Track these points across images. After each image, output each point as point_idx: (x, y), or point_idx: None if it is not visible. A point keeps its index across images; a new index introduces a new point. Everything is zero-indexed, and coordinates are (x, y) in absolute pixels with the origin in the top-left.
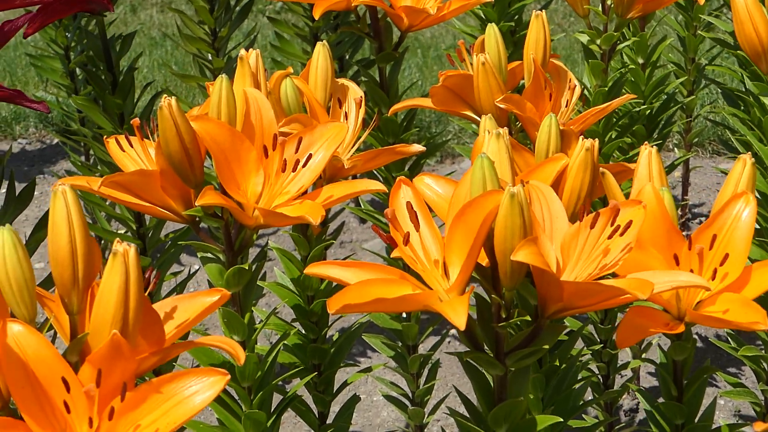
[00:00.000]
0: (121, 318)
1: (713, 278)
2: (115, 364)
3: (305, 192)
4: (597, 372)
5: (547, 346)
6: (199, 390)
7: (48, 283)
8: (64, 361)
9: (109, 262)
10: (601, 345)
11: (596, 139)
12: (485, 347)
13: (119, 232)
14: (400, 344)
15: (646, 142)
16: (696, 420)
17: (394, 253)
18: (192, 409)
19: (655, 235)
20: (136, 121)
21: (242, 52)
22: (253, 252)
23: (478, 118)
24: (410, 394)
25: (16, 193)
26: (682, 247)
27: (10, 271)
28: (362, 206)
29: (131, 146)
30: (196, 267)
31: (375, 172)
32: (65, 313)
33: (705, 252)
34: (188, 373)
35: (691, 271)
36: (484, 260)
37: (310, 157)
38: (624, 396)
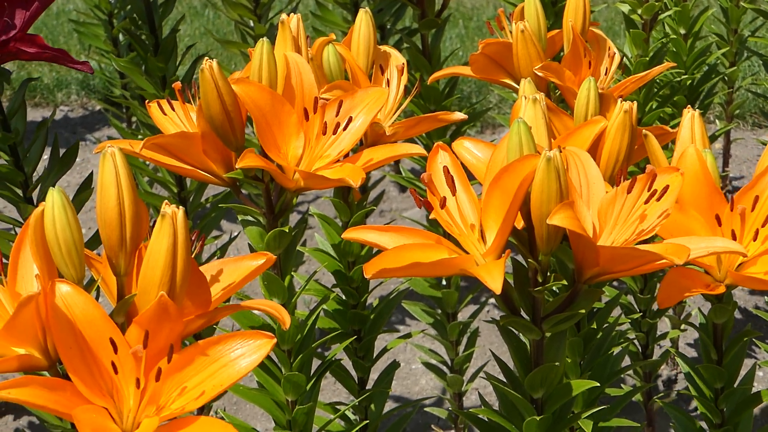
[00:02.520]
0: (168, 279)
1: (755, 239)
2: (162, 326)
3: (346, 156)
4: (636, 341)
5: (583, 311)
6: (245, 353)
7: (90, 247)
8: (111, 322)
9: (158, 224)
10: (641, 314)
11: (634, 101)
12: (522, 312)
13: (161, 195)
14: (439, 312)
15: (689, 106)
16: (735, 384)
17: (432, 216)
18: (238, 372)
19: (697, 196)
20: (177, 85)
21: (283, 16)
22: (294, 219)
23: (518, 86)
24: (449, 362)
25: (59, 157)
26: (724, 209)
27: (59, 231)
28: (403, 174)
29: (173, 110)
30: (236, 233)
31: (417, 140)
32: (112, 274)
33: (747, 213)
34: (234, 335)
35: (733, 232)
36: (520, 224)
37: (350, 120)
38: (662, 366)
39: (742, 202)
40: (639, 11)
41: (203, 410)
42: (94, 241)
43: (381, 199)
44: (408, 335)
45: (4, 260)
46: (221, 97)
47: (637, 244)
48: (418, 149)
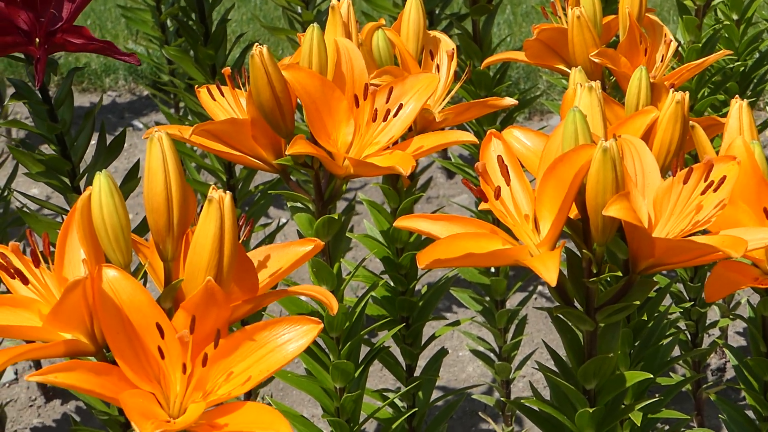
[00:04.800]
0: (215, 265)
1: None
2: (209, 311)
3: (395, 143)
4: (686, 330)
5: (637, 302)
6: (291, 338)
7: (137, 233)
8: (158, 307)
9: (205, 209)
10: (691, 303)
11: (687, 92)
12: (575, 302)
13: (209, 183)
14: (487, 299)
15: (737, 96)
16: None
17: (483, 206)
18: (284, 357)
19: (745, 188)
20: (227, 70)
21: (333, 1)
22: (340, 206)
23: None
24: (497, 349)
25: (107, 145)
26: None
27: (106, 217)
28: (452, 160)
29: (223, 96)
30: (284, 220)
31: (466, 125)
32: (160, 259)
33: None
34: (281, 321)
35: None
36: (574, 213)
37: (400, 107)
38: (711, 355)
39: None
40: None
41: (250, 396)
42: (143, 228)
43: (428, 186)
44: (457, 322)
45: (50, 247)
46: (271, 83)
47: (690, 236)
48: (468, 137)
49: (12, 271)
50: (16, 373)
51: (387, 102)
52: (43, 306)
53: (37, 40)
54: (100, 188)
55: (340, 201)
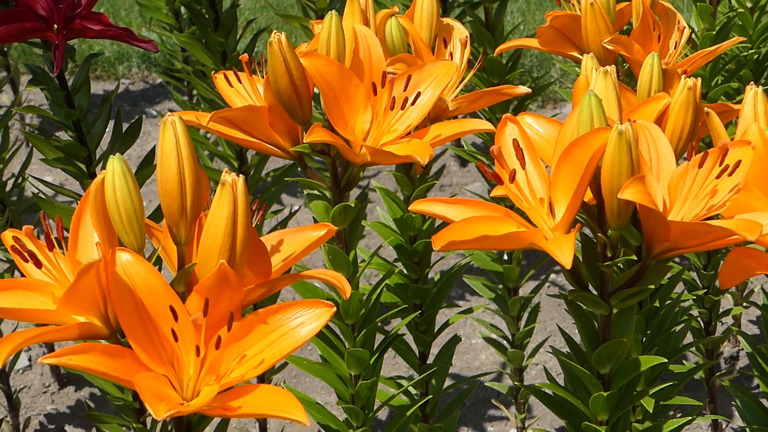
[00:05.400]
0: (228, 248)
1: None
2: (222, 294)
3: (411, 131)
4: (699, 318)
5: (652, 286)
6: (304, 321)
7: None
8: (171, 291)
9: (218, 192)
10: (704, 291)
11: (698, 78)
12: (590, 287)
13: (221, 170)
14: (500, 286)
15: (751, 83)
16: None
17: (497, 191)
18: (297, 340)
19: (759, 175)
20: (244, 57)
21: None
22: (353, 193)
23: None
24: (510, 337)
25: (122, 131)
26: None
27: (119, 200)
28: (464, 148)
29: (240, 82)
30: (296, 207)
31: (479, 113)
32: (173, 243)
33: None
34: (294, 304)
35: None
36: (588, 198)
37: (418, 95)
38: (725, 343)
39: None
40: None
41: (263, 381)
42: (157, 216)
43: (442, 173)
44: (470, 310)
45: (65, 232)
46: (289, 70)
47: (705, 220)
48: (486, 125)
49: (26, 254)
50: (29, 360)
51: (405, 90)
52: (56, 289)
53: (56, 26)
54: (114, 171)
55: (354, 189)
